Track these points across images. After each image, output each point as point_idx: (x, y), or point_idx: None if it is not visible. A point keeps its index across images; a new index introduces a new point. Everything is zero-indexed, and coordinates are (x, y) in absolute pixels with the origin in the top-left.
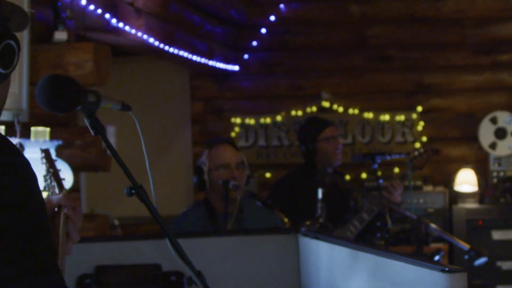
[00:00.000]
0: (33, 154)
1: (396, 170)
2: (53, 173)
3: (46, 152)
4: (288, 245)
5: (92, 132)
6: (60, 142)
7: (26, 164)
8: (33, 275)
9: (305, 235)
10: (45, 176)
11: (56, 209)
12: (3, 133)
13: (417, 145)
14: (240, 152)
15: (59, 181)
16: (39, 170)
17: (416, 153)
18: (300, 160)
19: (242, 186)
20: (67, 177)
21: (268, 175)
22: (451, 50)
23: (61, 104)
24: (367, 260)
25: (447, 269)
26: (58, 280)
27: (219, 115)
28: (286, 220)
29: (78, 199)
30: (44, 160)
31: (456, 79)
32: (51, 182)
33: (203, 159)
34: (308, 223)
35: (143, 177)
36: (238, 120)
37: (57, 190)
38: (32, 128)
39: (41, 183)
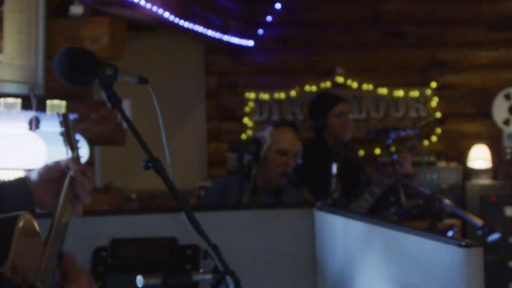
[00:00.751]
0: (48, 127)
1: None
2: (66, 136)
3: (64, 116)
4: (304, 220)
5: (109, 105)
6: (76, 116)
7: None
8: None
9: (321, 209)
10: (64, 141)
11: (66, 171)
12: (19, 106)
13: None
14: (299, 140)
15: (71, 144)
16: (55, 142)
17: (423, 123)
18: (313, 135)
19: (289, 172)
20: (83, 151)
21: None
22: (465, 26)
23: (79, 77)
24: (383, 234)
25: (463, 243)
26: None
27: (234, 90)
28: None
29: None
30: (60, 124)
31: (471, 55)
32: (65, 144)
33: (265, 135)
34: (329, 201)
35: (158, 151)
36: (252, 95)
37: (70, 153)
38: (48, 102)
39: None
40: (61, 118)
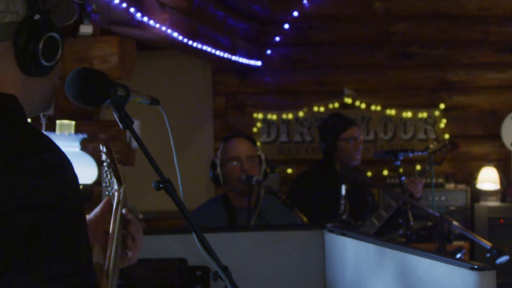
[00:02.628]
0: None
1: (418, 167)
2: (113, 168)
3: (107, 147)
4: (314, 241)
5: (121, 126)
6: (85, 136)
7: (63, 163)
8: (65, 276)
9: (331, 231)
10: (105, 172)
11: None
12: None
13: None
14: (256, 146)
15: (118, 176)
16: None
17: (435, 146)
18: (322, 156)
19: (258, 181)
20: (92, 170)
21: (289, 171)
22: (474, 48)
23: (92, 98)
24: (394, 257)
25: (476, 266)
26: (89, 280)
27: (241, 110)
28: (305, 219)
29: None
30: (104, 156)
31: (479, 77)
32: (110, 177)
33: (218, 152)
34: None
35: (166, 171)
36: (260, 116)
37: (116, 186)
38: (57, 121)
39: (86, 177)
40: (105, 150)
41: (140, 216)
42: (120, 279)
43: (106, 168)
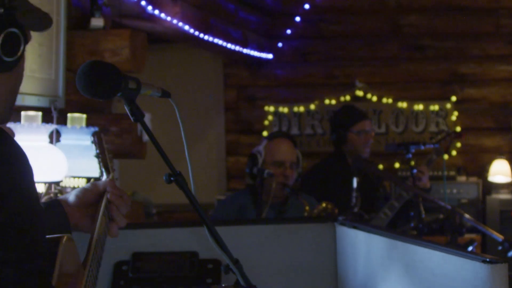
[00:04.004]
0: (69, 140)
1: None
2: (102, 158)
3: (98, 137)
4: (325, 234)
5: (132, 119)
6: (96, 129)
7: (17, 155)
8: (15, 262)
9: (343, 224)
10: (98, 162)
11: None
12: (40, 119)
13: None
14: (296, 147)
15: (107, 166)
16: (76, 155)
17: (440, 137)
18: (332, 149)
19: (291, 184)
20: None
21: None
22: (486, 40)
23: (103, 91)
24: (406, 250)
25: (488, 259)
26: (40, 268)
27: (253, 103)
28: (306, 208)
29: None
30: (94, 146)
31: (491, 69)
32: (100, 166)
33: (260, 149)
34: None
35: (177, 164)
36: (271, 109)
37: (105, 174)
38: (69, 115)
39: (97, 170)
40: (95, 139)
41: (154, 211)
42: (131, 272)
43: (96, 158)
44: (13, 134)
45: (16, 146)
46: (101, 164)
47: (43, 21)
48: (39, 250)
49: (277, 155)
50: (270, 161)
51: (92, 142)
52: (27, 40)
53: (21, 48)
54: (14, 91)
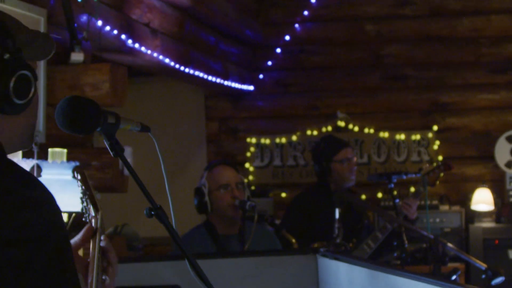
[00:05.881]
0: (50, 175)
1: (412, 189)
2: (89, 195)
3: (81, 174)
4: (307, 266)
5: (112, 153)
6: (77, 163)
7: (47, 198)
8: None
9: (324, 255)
10: (81, 198)
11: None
12: (20, 155)
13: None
14: (239, 173)
15: (94, 203)
16: (57, 190)
17: (428, 168)
18: (316, 180)
19: (252, 205)
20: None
21: (283, 195)
22: (466, 69)
23: (81, 126)
24: (387, 280)
25: None
26: None
27: (234, 135)
28: (294, 241)
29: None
30: (79, 182)
31: (472, 98)
32: (87, 204)
33: (203, 181)
34: (316, 245)
35: (158, 198)
36: (253, 140)
37: (92, 212)
38: (50, 149)
39: (78, 205)
40: (79, 176)
41: (140, 246)
42: None
43: (82, 195)
44: None
45: (45, 189)
46: (88, 201)
47: (46, 48)
48: (77, 284)
49: (221, 180)
50: (215, 187)
51: (76, 179)
52: (36, 78)
53: (33, 89)
54: (32, 125)
